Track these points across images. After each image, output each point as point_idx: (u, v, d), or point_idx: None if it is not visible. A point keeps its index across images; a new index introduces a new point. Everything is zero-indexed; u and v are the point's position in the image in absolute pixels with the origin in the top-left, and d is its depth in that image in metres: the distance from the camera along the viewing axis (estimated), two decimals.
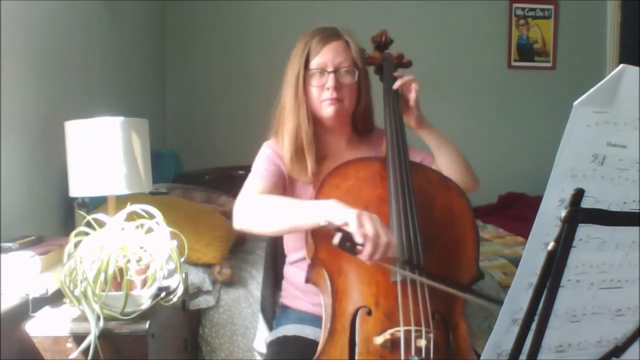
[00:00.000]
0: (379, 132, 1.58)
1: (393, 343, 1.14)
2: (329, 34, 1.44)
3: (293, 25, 3.48)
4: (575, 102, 0.63)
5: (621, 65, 0.63)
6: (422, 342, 1.12)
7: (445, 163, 1.48)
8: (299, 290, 1.48)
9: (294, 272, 1.48)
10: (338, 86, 1.41)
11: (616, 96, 0.64)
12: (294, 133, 1.43)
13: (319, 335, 1.38)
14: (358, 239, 1.10)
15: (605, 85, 0.63)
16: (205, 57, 3.55)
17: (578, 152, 0.65)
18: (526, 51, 3.87)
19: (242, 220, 1.32)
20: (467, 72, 3.75)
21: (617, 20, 3.89)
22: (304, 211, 1.22)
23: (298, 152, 1.43)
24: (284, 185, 1.45)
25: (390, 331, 1.14)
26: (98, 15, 2.36)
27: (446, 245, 1.28)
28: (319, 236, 1.24)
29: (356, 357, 1.15)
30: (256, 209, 1.31)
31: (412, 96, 1.43)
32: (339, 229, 1.11)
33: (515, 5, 3.83)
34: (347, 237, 1.10)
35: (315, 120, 1.45)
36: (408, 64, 1.57)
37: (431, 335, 1.13)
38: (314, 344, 1.31)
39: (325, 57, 1.41)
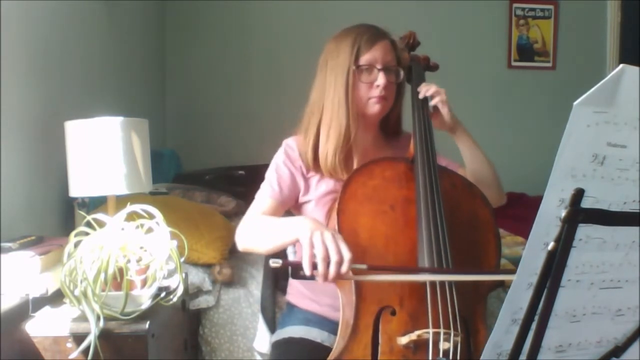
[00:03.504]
0: (407, 136, 1.56)
1: (417, 344, 1.13)
2: (378, 33, 1.43)
3: (293, 25, 3.53)
4: (575, 102, 0.63)
5: (621, 65, 0.63)
6: (447, 345, 1.12)
7: (473, 172, 1.46)
8: (308, 289, 1.48)
9: None
10: (387, 85, 1.40)
11: (616, 96, 0.64)
12: (345, 129, 1.40)
13: (326, 338, 1.38)
14: (305, 265, 1.10)
15: (605, 85, 0.63)
16: (205, 57, 3.55)
17: (578, 152, 0.65)
18: (526, 51, 3.87)
19: (241, 243, 1.36)
20: (467, 72, 3.74)
21: (617, 20, 3.89)
22: (282, 230, 1.24)
23: (342, 149, 1.41)
24: (297, 191, 1.45)
25: (417, 332, 1.13)
26: (98, 15, 2.36)
27: (469, 250, 1.28)
28: (344, 233, 1.22)
29: (379, 357, 1.15)
30: (251, 232, 1.35)
31: (440, 103, 1.42)
32: (286, 263, 1.14)
33: (515, 5, 3.83)
34: (296, 268, 1.13)
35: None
36: (435, 67, 1.58)
37: (458, 338, 1.13)
38: (320, 347, 1.30)
39: (375, 54, 1.40)
